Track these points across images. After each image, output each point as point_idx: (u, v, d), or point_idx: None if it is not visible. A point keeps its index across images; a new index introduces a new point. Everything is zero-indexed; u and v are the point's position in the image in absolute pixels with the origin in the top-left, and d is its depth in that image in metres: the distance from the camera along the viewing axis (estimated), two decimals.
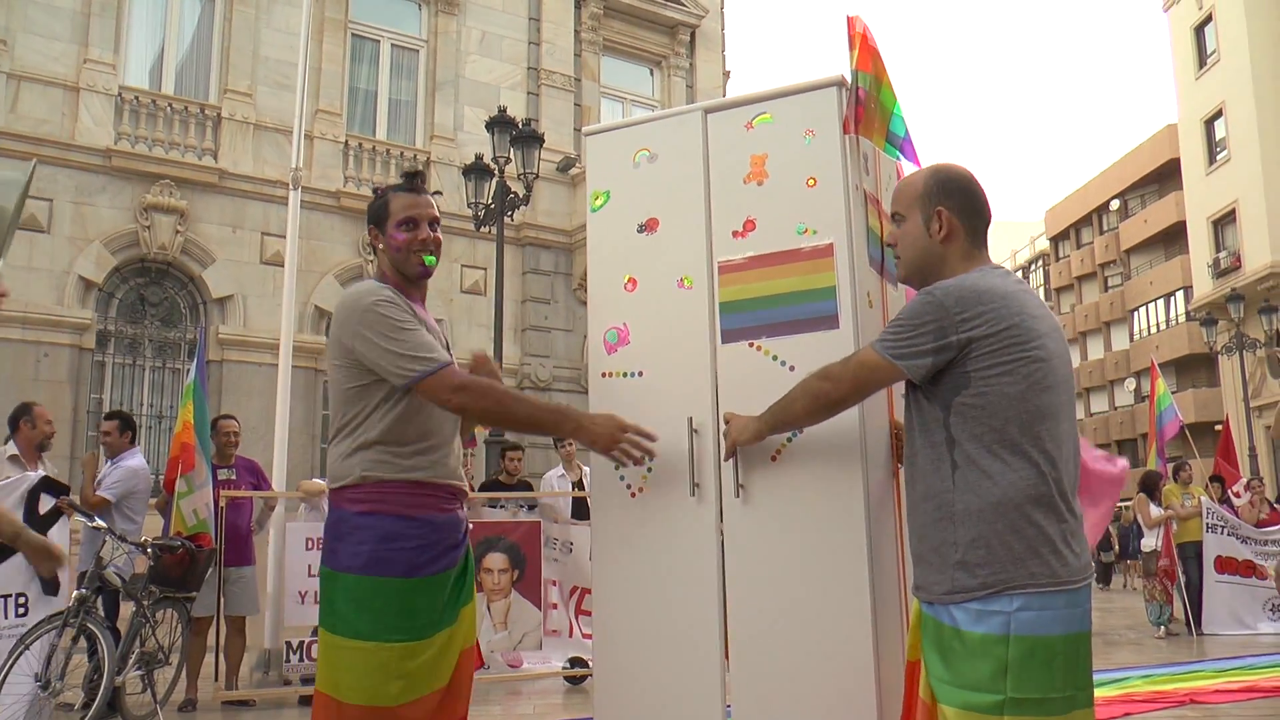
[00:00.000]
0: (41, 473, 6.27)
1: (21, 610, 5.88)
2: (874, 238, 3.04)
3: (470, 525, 3.21)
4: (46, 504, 6.09)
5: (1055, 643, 2.21)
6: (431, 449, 2.91)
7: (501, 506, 8.76)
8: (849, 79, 3.04)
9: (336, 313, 2.94)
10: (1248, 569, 11.54)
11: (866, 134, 3.04)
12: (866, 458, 2.87)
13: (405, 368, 2.81)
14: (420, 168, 3.88)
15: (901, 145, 3.13)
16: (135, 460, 7.30)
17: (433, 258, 3.02)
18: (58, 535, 6.13)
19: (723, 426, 2.99)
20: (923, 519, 2.37)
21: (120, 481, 7.15)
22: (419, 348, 2.84)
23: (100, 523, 6.37)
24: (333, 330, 2.94)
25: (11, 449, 6.75)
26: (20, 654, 5.61)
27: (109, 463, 7.25)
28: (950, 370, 2.32)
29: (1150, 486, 12.24)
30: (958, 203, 2.48)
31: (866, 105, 2.98)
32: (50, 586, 5.93)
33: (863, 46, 2.97)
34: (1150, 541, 12.19)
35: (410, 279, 3.04)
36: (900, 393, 2.62)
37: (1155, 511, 11.97)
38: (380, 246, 3.05)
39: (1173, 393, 27.14)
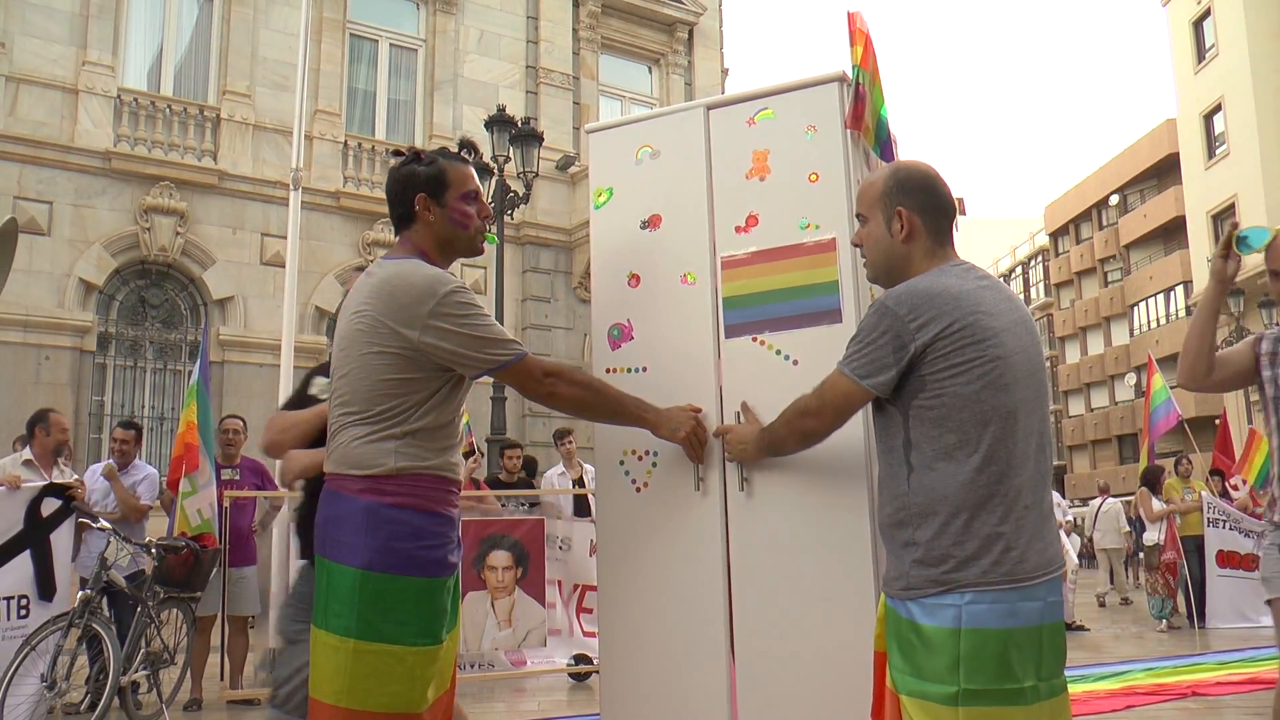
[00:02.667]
0: (44, 481, 6.32)
1: (23, 612, 5.92)
2: None
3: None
4: (50, 506, 6.13)
5: (1011, 635, 2.24)
6: (453, 446, 2.80)
7: (503, 504, 8.78)
8: (850, 74, 3.05)
9: (392, 298, 2.67)
10: (1251, 562, 11.53)
11: (860, 129, 3.05)
12: (870, 452, 2.88)
13: (493, 354, 2.69)
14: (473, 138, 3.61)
15: (884, 147, 3.15)
16: (150, 467, 7.62)
17: (493, 235, 2.93)
18: (63, 537, 6.18)
19: (721, 432, 3.04)
20: (885, 519, 2.42)
21: (154, 487, 7.50)
22: (503, 334, 2.75)
23: (105, 524, 6.40)
24: (381, 315, 2.67)
25: (27, 454, 6.80)
26: (26, 654, 5.64)
27: (120, 471, 7.35)
28: (908, 375, 2.34)
29: (1152, 480, 12.26)
30: (918, 201, 2.48)
31: (865, 102, 2.99)
32: (46, 592, 5.99)
33: (865, 44, 2.98)
34: (1152, 535, 12.21)
35: (459, 255, 2.93)
36: None
37: (1157, 506, 11.99)
38: (431, 219, 2.82)
39: (1172, 388, 27.09)
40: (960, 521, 2.27)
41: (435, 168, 2.82)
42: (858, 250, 2.86)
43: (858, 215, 2.60)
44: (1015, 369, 2.33)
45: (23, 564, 5.97)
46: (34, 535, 6.03)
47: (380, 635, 2.59)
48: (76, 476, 6.85)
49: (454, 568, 2.77)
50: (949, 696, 2.22)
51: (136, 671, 6.37)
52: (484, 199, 2.90)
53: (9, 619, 5.87)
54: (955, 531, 2.27)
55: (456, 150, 2.94)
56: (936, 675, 2.24)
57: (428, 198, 2.81)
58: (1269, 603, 3.43)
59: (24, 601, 5.98)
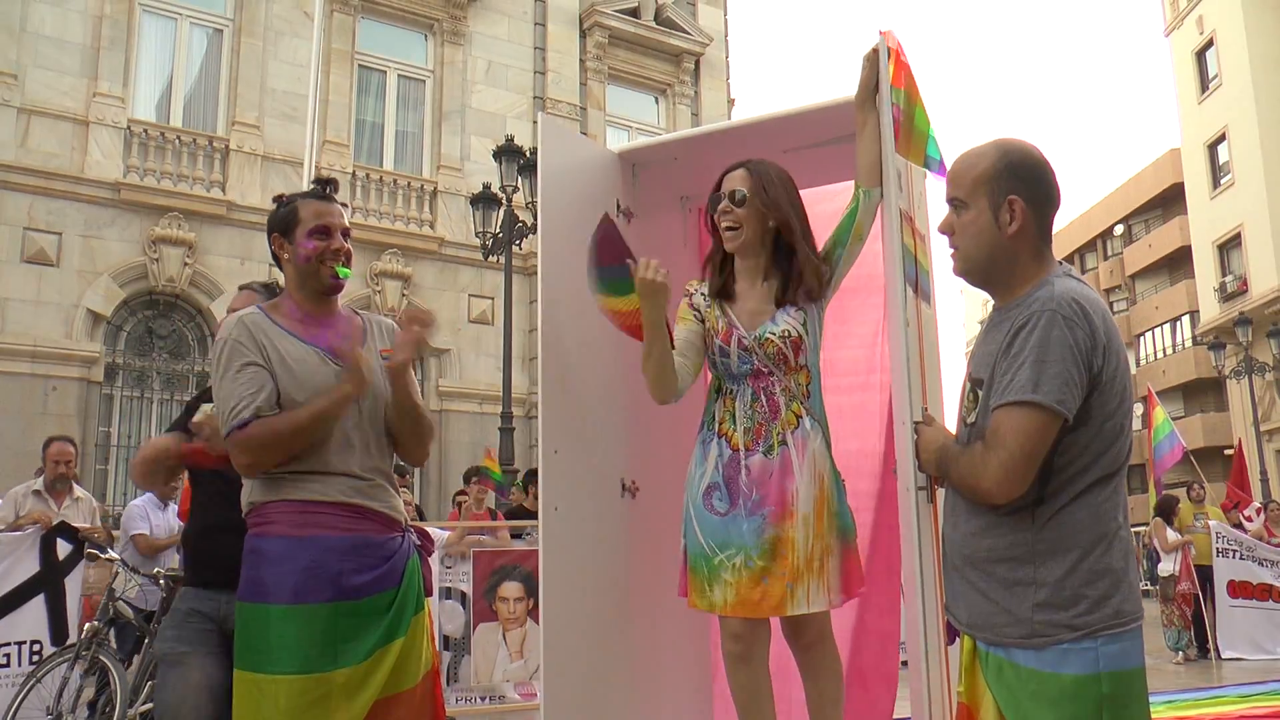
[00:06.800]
0: (53, 511, 6.30)
1: (35, 657, 5.90)
2: (909, 256, 2.99)
3: (415, 552, 2.88)
4: (65, 549, 6.09)
5: (1137, 675, 2.08)
6: (320, 474, 2.69)
7: (526, 534, 8.64)
8: (886, 94, 3.01)
9: None
10: (1264, 592, 11.40)
11: (903, 152, 2.97)
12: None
13: (225, 425, 2.67)
14: (333, 176, 3.52)
15: (936, 169, 3.07)
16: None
17: (346, 270, 2.82)
18: (74, 579, 6.13)
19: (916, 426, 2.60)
20: (983, 552, 2.14)
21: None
22: (229, 399, 2.65)
23: (113, 554, 6.34)
24: None
25: (38, 484, 6.75)
26: (32, 687, 5.58)
27: (161, 507, 7.07)
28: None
29: (1166, 511, 12.12)
30: (1031, 190, 2.16)
31: (902, 122, 2.93)
32: (59, 637, 5.93)
33: (896, 62, 2.93)
34: (1167, 566, 12.06)
35: (317, 293, 2.83)
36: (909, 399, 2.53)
37: (1172, 536, 11.84)
38: (286, 257, 2.83)
39: (1179, 418, 26.84)
40: (1092, 558, 2.05)
41: (289, 207, 2.85)
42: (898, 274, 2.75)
43: (951, 199, 2.24)
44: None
45: (37, 608, 5.93)
46: (49, 578, 5.99)
47: (243, 662, 2.65)
48: (96, 504, 6.80)
49: (321, 596, 2.63)
50: None
51: (144, 704, 6.28)
52: (338, 236, 2.82)
53: (22, 665, 5.83)
54: (1088, 570, 2.05)
55: (320, 185, 2.92)
56: None
57: (280, 236, 2.85)
58: None
59: (37, 646, 5.94)
